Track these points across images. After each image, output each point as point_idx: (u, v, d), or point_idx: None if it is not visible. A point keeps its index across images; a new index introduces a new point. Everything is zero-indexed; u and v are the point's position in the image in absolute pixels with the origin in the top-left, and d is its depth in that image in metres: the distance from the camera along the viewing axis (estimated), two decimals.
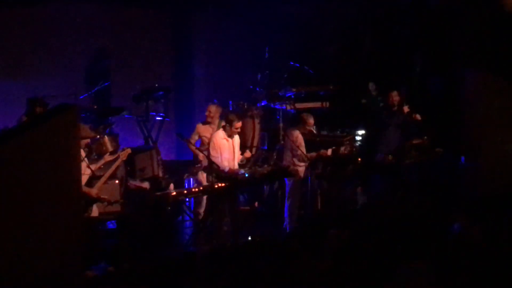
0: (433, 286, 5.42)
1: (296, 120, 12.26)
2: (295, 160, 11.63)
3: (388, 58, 14.76)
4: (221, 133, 11.12)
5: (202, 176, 11.69)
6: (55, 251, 6.41)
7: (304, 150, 11.56)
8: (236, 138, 11.26)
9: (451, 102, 13.22)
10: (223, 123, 11.38)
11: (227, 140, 11.08)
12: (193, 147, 11.82)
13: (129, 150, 10.77)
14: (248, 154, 11.58)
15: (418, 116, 12.47)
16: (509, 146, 11.58)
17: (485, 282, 6.03)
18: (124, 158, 10.72)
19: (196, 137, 12.05)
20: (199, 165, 11.75)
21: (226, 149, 11.07)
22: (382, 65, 14.76)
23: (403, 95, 12.96)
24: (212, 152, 10.94)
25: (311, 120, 11.91)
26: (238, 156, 11.34)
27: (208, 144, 11.29)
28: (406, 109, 12.47)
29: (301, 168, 11.65)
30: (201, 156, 11.63)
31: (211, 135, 11.55)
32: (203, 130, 11.95)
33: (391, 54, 14.76)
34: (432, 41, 14.13)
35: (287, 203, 11.64)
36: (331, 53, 15.24)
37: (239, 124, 11.08)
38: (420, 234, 7.41)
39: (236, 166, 11.13)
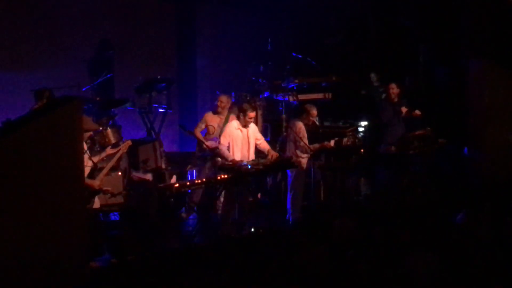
0: (440, 275, 5.42)
1: (299, 111, 12.22)
2: (298, 151, 11.61)
3: (393, 49, 14.74)
4: (235, 123, 11.10)
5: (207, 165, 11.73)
6: (58, 242, 6.42)
7: (307, 141, 11.54)
8: (252, 128, 11.20)
9: (456, 92, 13.22)
10: (234, 113, 11.39)
11: (241, 131, 11.06)
12: (199, 136, 11.84)
13: (129, 142, 10.74)
14: (275, 154, 11.40)
15: (418, 112, 12.44)
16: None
17: (491, 270, 6.03)
18: (125, 150, 10.69)
19: (203, 126, 12.03)
20: (200, 153, 11.75)
21: (240, 140, 11.05)
22: (386, 56, 14.75)
23: (404, 86, 12.93)
24: (222, 140, 10.96)
25: (315, 111, 11.87)
26: (254, 145, 11.31)
27: (213, 133, 11.33)
28: (403, 109, 12.43)
29: (304, 159, 11.63)
30: (208, 144, 11.65)
31: (218, 125, 11.58)
32: (210, 119, 11.93)
33: (396, 44, 14.74)
34: (437, 31, 14.11)
35: (289, 194, 11.62)
36: (335, 44, 15.22)
37: (252, 114, 11.04)
38: (425, 224, 7.41)
39: (252, 157, 11.10)
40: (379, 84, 14.07)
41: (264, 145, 11.35)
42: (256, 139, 11.28)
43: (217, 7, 15.27)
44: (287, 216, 11.62)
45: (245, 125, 11.06)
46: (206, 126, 11.97)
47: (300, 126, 11.66)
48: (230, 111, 11.97)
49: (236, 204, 10.92)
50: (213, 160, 11.48)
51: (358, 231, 7.03)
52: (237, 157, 10.97)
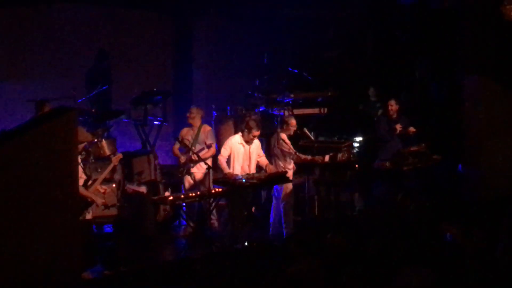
0: None
1: (280, 123, 12.15)
2: (285, 163, 11.61)
3: (389, 64, 14.77)
4: (237, 137, 11.17)
5: (187, 180, 11.73)
6: (52, 253, 6.40)
7: (292, 148, 11.56)
8: (255, 145, 11.25)
9: (451, 108, 13.24)
10: (229, 126, 11.44)
11: (243, 146, 11.11)
12: (176, 152, 11.89)
13: (120, 155, 10.91)
14: (272, 169, 11.45)
15: (412, 129, 12.43)
16: None
17: (484, 286, 6.03)
18: (116, 163, 10.83)
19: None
20: (182, 168, 11.78)
21: (241, 155, 11.11)
22: (382, 71, 14.77)
23: (402, 102, 12.94)
24: (222, 151, 11.07)
25: (293, 121, 11.87)
26: (256, 161, 11.33)
27: (187, 146, 11.38)
28: (398, 127, 12.43)
29: (290, 171, 11.65)
30: (182, 159, 11.70)
31: (191, 137, 11.71)
32: (185, 133, 11.95)
33: (392, 60, 14.77)
34: (433, 47, 14.15)
35: (281, 208, 11.59)
36: (331, 59, 15.25)
37: (257, 133, 11.10)
38: (418, 239, 7.40)
39: (253, 172, 11.13)
40: (376, 99, 14.09)
41: (263, 161, 11.40)
42: (258, 155, 11.34)
43: (214, 20, 15.30)
44: (271, 231, 11.60)
45: (247, 141, 11.10)
46: (182, 140, 11.92)
47: (284, 136, 11.67)
48: (203, 123, 11.99)
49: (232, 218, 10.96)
50: (190, 173, 11.66)
51: (350, 246, 7.02)
52: (237, 171, 11.02)
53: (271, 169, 11.26)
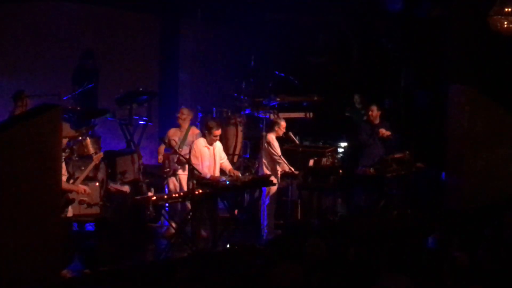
0: None
1: (270, 125, 12.16)
2: (273, 166, 11.63)
3: (375, 71, 14.82)
4: (202, 141, 11.11)
5: (172, 182, 11.71)
6: (32, 249, 6.39)
7: (279, 151, 11.58)
8: (218, 145, 11.23)
9: (435, 116, 13.31)
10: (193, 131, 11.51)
11: (208, 148, 11.07)
12: (162, 152, 11.89)
13: (101, 154, 10.88)
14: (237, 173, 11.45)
15: (387, 132, 12.45)
16: None
17: None
18: (97, 161, 10.80)
19: (167, 141, 12.02)
20: (168, 169, 11.75)
21: (207, 157, 11.05)
22: (368, 78, 14.82)
23: (386, 109, 12.99)
24: (193, 160, 10.89)
25: (283, 123, 11.87)
26: (219, 164, 11.30)
27: (173, 147, 11.34)
28: (382, 131, 12.46)
29: (278, 174, 11.67)
30: (164, 161, 11.69)
31: (178, 138, 11.65)
32: (172, 133, 11.89)
33: (378, 67, 14.82)
34: (418, 55, 14.21)
35: (265, 209, 11.63)
36: (317, 64, 15.28)
37: (218, 132, 11.04)
38: (399, 247, 7.42)
39: (217, 174, 11.11)
40: (362, 106, 14.11)
41: (226, 165, 11.36)
42: (220, 157, 11.29)
43: (201, 22, 15.30)
44: (264, 233, 11.64)
45: (211, 143, 11.05)
46: (169, 141, 11.88)
47: (270, 138, 11.69)
48: (192, 125, 11.99)
49: (206, 220, 10.94)
50: (175, 174, 11.63)
51: (330, 252, 7.03)
52: (204, 174, 10.97)
53: (236, 173, 11.22)
